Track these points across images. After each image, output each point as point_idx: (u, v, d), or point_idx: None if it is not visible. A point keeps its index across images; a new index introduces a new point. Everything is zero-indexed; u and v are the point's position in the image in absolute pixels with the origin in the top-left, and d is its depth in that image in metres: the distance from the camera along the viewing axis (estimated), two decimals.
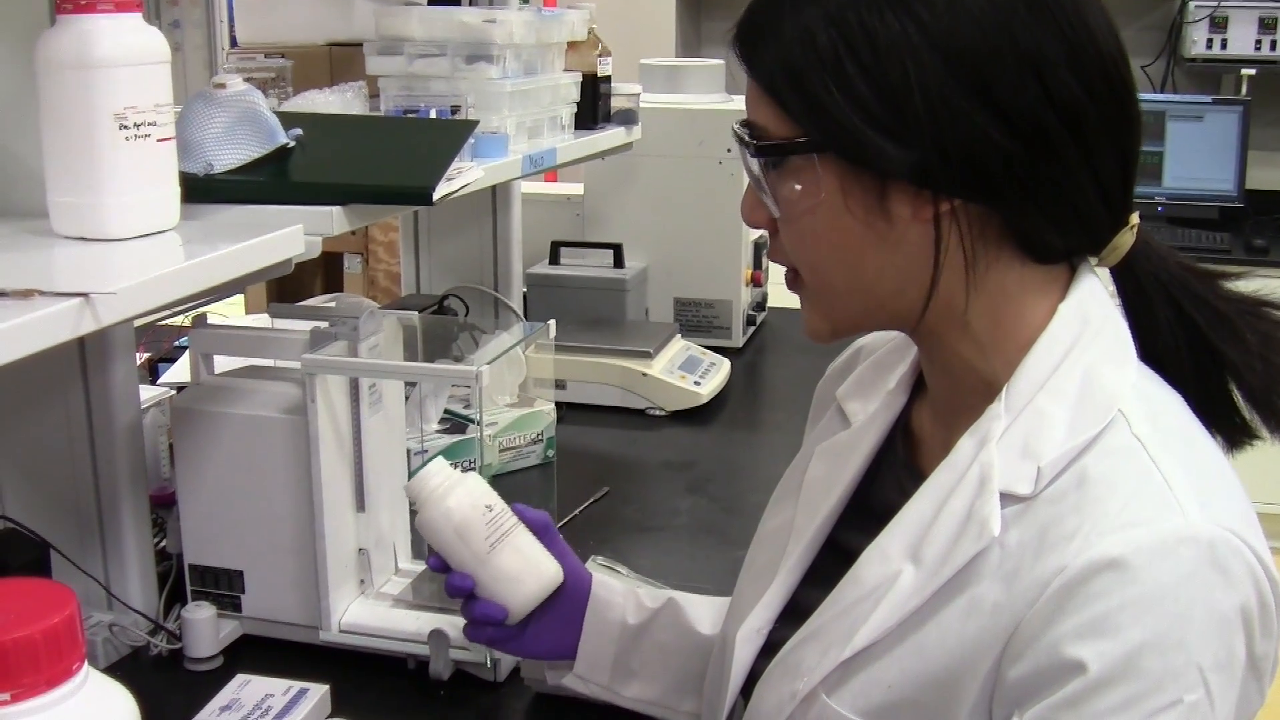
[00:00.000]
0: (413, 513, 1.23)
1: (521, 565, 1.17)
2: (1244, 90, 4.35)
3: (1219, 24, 4.26)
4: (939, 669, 0.85)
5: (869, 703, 0.88)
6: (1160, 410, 0.89)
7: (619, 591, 1.24)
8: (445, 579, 1.18)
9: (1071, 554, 0.80)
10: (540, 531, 1.20)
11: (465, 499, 1.17)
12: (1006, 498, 0.85)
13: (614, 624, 1.22)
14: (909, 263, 0.90)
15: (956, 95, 0.84)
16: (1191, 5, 4.29)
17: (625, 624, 1.22)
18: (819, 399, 1.17)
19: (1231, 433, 0.95)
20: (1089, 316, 0.91)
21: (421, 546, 1.41)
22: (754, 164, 0.91)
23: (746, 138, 0.92)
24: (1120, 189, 0.90)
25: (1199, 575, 0.79)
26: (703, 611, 1.23)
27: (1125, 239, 0.92)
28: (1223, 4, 4.26)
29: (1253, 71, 4.29)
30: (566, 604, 1.21)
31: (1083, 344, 0.89)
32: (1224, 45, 4.26)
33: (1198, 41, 4.28)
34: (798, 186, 0.90)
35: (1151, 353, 0.93)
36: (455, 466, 1.21)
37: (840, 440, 1.06)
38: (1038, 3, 0.85)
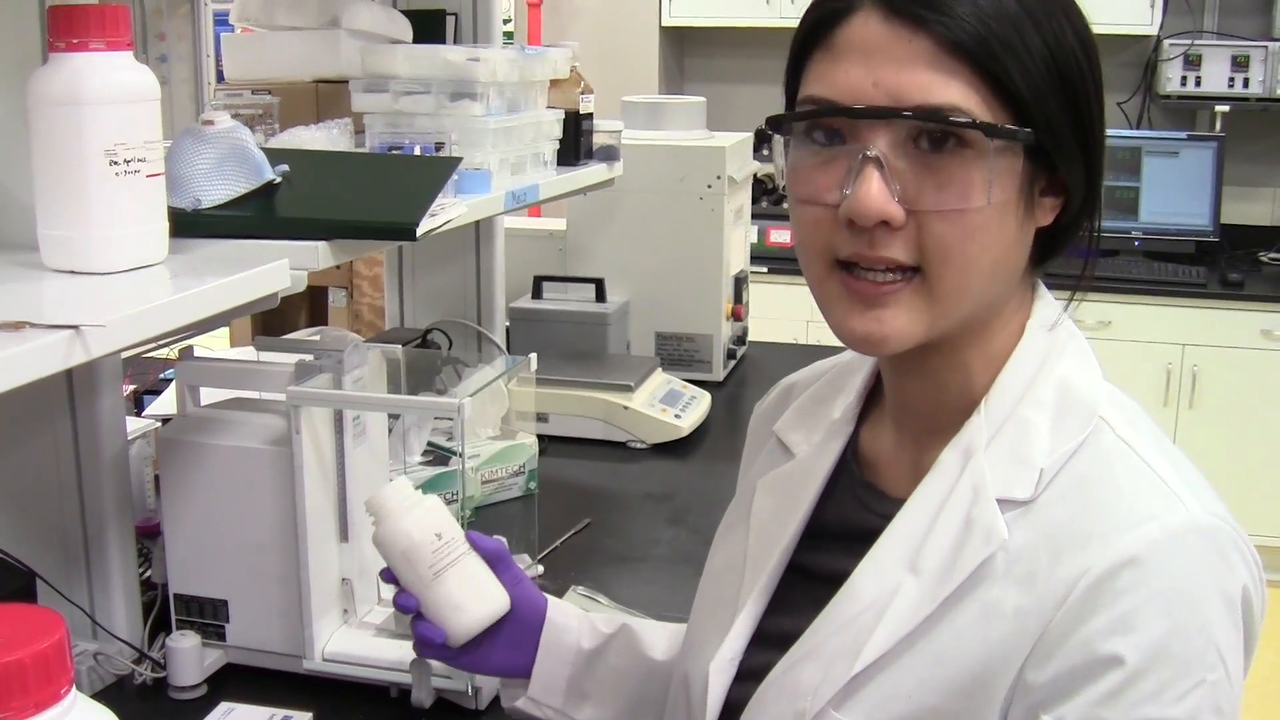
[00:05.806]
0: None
1: (464, 595, 1.17)
2: (1218, 126, 4.42)
3: (1193, 62, 4.33)
4: (962, 675, 0.86)
5: (888, 715, 0.89)
6: (1135, 416, 0.93)
7: (574, 616, 1.24)
8: (394, 594, 1.20)
9: (1093, 556, 0.83)
10: (494, 560, 1.20)
11: (415, 524, 1.17)
12: (1003, 503, 0.88)
13: (569, 648, 1.22)
14: (1019, 266, 0.92)
15: (1096, 97, 0.90)
16: (1166, 43, 4.36)
17: (580, 648, 1.23)
18: (753, 437, 1.19)
19: None
20: (1055, 332, 0.95)
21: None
22: (937, 148, 0.85)
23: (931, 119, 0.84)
24: None
25: (1207, 562, 0.84)
26: (656, 638, 1.24)
27: None
28: (1196, 43, 4.33)
29: (1226, 108, 4.37)
30: (517, 628, 1.21)
31: (1053, 357, 0.93)
32: (1198, 83, 4.33)
33: (1172, 79, 4.35)
34: (994, 178, 0.85)
35: None
36: (418, 488, 1.21)
37: (786, 470, 1.07)
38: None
